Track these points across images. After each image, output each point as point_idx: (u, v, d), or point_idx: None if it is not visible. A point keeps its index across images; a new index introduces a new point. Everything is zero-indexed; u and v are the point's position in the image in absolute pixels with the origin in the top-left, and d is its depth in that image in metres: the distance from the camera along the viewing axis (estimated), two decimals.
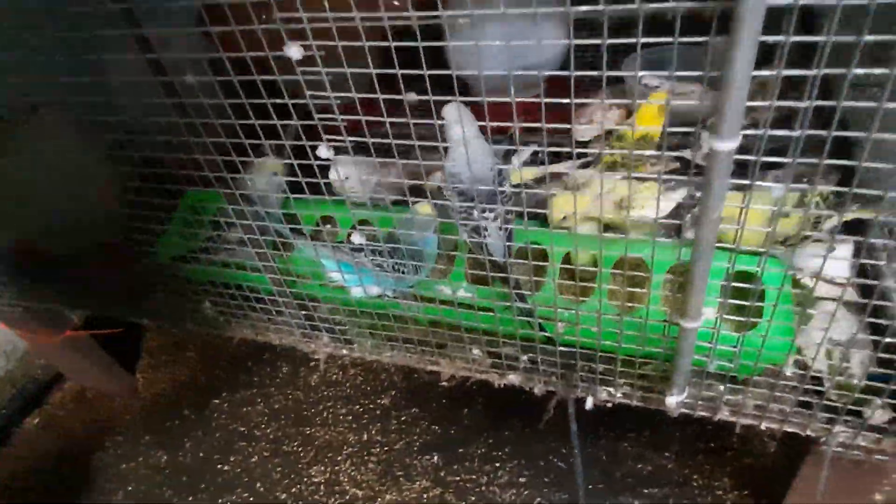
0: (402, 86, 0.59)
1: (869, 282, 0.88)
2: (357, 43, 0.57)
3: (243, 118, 0.70)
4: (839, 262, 0.90)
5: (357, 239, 0.81)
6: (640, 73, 1.26)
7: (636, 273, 1.00)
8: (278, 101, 0.66)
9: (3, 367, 1.67)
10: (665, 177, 0.60)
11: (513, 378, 0.96)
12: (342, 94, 0.62)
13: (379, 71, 0.59)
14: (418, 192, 1.08)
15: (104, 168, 1.06)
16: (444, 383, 1.03)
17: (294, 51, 0.59)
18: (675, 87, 1.33)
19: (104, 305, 1.27)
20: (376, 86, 0.60)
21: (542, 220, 1.00)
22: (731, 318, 0.72)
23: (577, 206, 0.71)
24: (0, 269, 1.27)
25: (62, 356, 1.58)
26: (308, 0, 0.57)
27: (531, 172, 1.14)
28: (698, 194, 0.59)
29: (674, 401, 0.82)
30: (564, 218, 0.97)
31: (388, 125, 0.63)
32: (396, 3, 1.18)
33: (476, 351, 0.97)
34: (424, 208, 0.88)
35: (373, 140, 0.66)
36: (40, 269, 1.25)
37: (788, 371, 0.80)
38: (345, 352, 1.07)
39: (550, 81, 1.30)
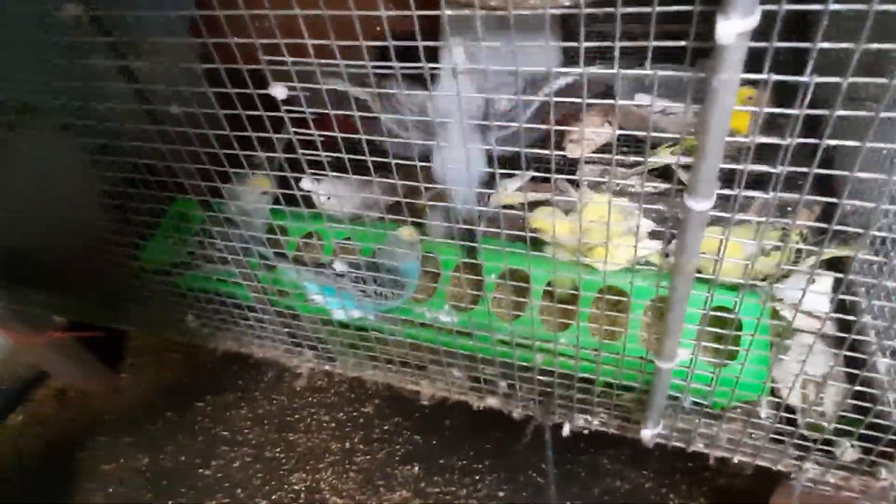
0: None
1: (847, 316, 0.89)
2: (340, 87, 0.57)
3: (227, 148, 0.70)
4: (818, 296, 0.91)
5: (339, 266, 0.82)
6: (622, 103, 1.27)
7: (616, 314, 1.01)
8: (263, 134, 0.66)
9: None
10: (642, 223, 0.61)
11: (491, 402, 0.97)
12: (325, 133, 0.62)
13: (361, 114, 0.59)
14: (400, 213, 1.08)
15: (89, 175, 1.06)
16: (425, 402, 1.04)
17: (278, 91, 0.59)
18: (666, 108, 1.35)
19: (86, 312, 1.27)
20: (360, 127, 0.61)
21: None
22: (706, 359, 0.73)
23: (557, 232, 0.72)
24: None
25: (46, 355, 1.58)
26: (289, 33, 0.57)
27: (518, 197, 1.15)
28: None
29: (648, 434, 0.84)
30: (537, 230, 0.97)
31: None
32: (379, 28, 1.18)
33: (456, 373, 0.98)
34: (407, 232, 0.88)
35: (355, 177, 0.66)
36: (23, 274, 1.25)
37: (763, 413, 0.81)
38: (327, 368, 1.08)
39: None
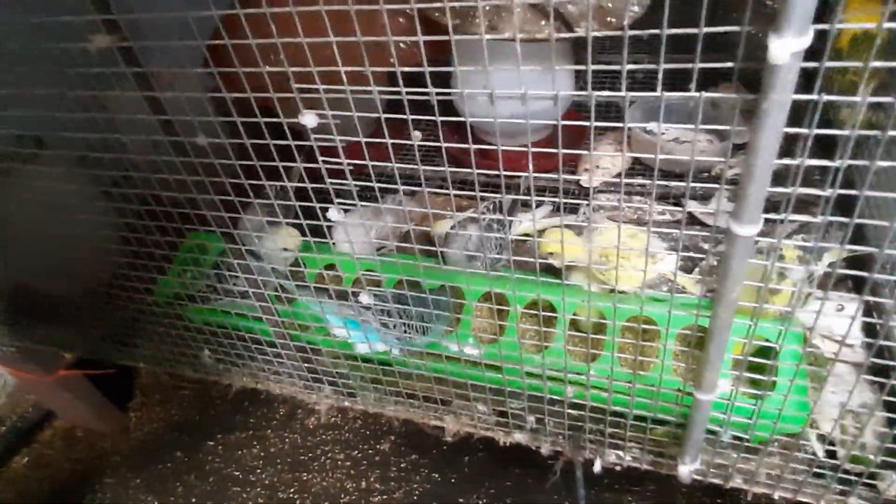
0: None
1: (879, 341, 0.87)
2: (372, 115, 0.56)
3: (254, 178, 0.69)
4: (847, 323, 0.89)
5: (365, 299, 0.79)
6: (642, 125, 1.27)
7: (648, 344, 0.98)
8: (290, 164, 0.65)
9: None
10: (685, 231, 0.59)
11: (519, 437, 0.94)
12: (355, 162, 0.61)
13: (392, 141, 0.58)
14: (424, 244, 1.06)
15: (102, 209, 1.05)
16: (449, 439, 1.01)
17: (309, 119, 0.58)
18: (679, 136, 1.34)
19: (98, 349, 1.24)
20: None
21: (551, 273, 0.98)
22: (747, 391, 0.70)
23: (570, 254, 0.70)
24: None
25: (53, 394, 1.54)
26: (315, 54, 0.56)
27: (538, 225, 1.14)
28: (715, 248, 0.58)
29: (686, 470, 0.80)
30: (551, 254, 0.94)
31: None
32: (403, 45, 1.18)
33: (481, 408, 0.95)
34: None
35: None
36: (33, 310, 1.23)
37: (811, 444, 0.78)
38: (347, 404, 1.05)
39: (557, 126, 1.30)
